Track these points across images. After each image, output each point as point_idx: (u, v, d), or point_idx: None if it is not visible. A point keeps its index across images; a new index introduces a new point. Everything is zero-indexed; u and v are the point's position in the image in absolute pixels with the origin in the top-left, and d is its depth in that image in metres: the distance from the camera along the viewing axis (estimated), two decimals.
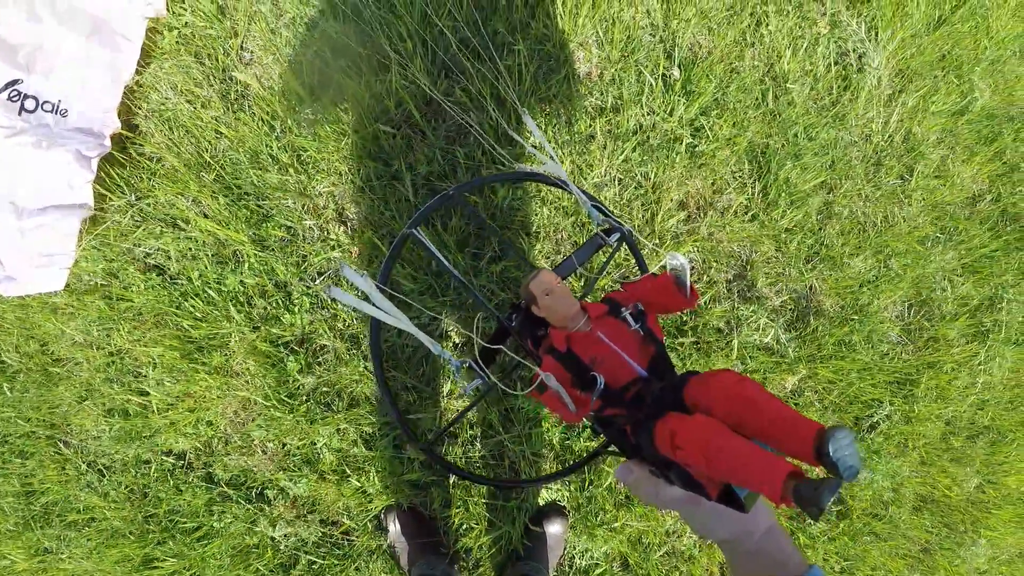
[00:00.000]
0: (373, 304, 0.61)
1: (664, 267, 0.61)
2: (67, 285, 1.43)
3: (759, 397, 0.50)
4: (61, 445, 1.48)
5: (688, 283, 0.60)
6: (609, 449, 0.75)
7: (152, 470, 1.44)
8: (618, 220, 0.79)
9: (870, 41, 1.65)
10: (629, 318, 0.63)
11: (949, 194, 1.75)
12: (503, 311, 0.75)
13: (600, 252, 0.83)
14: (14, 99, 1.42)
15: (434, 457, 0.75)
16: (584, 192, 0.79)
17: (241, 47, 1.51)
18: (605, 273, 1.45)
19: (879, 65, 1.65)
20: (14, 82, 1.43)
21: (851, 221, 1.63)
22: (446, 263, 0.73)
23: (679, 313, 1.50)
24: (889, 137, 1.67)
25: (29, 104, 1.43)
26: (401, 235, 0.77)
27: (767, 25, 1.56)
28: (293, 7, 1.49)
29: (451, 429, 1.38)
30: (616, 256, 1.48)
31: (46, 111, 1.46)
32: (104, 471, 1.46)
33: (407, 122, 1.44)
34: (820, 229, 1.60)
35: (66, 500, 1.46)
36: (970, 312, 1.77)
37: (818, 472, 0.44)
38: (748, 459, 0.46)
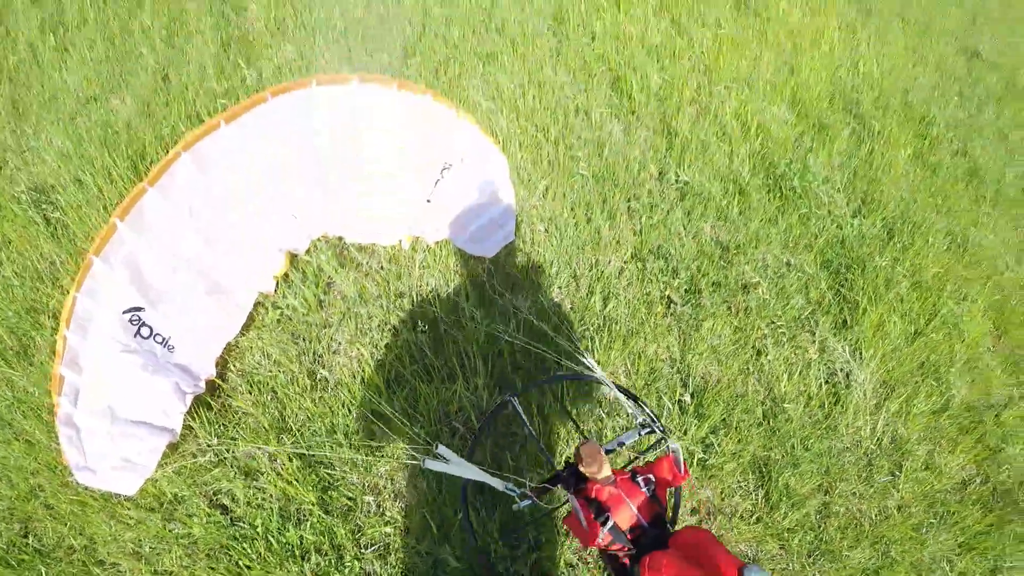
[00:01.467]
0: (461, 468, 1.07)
1: (667, 449, 1.05)
2: (131, 497, 1.58)
3: (706, 541, 0.93)
4: None
5: (682, 462, 1.03)
6: None
7: None
8: (665, 428, 1.27)
9: (855, 360, 2.00)
10: (642, 483, 1.05)
11: (938, 483, 1.99)
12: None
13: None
14: (134, 323, 1.71)
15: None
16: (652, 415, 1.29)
17: (332, 337, 1.94)
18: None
19: (864, 380, 1.98)
20: (138, 308, 1.73)
21: (848, 517, 1.88)
22: (531, 432, 1.22)
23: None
24: (877, 440, 1.96)
25: (144, 331, 1.72)
26: (501, 402, 1.22)
27: (766, 355, 1.93)
28: (381, 313, 1.94)
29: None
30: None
31: (157, 342, 1.74)
32: None
33: (465, 425, 1.83)
34: (820, 527, 1.85)
35: None
36: None
37: None
38: None
